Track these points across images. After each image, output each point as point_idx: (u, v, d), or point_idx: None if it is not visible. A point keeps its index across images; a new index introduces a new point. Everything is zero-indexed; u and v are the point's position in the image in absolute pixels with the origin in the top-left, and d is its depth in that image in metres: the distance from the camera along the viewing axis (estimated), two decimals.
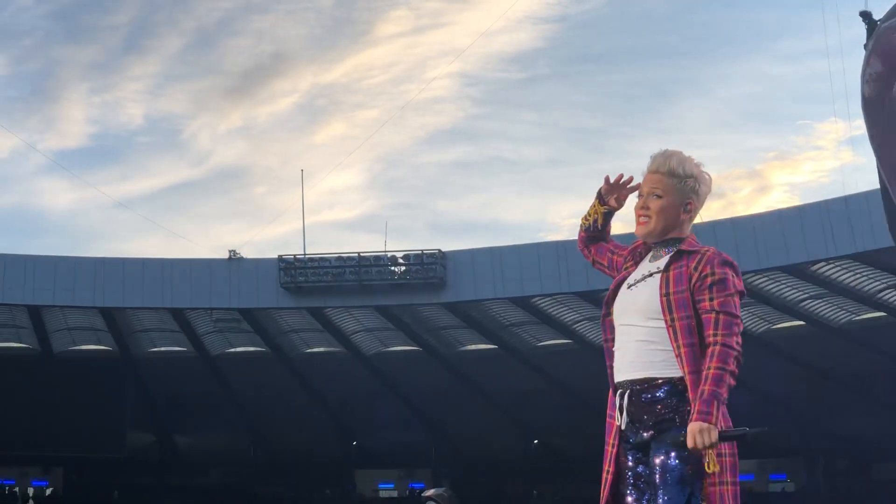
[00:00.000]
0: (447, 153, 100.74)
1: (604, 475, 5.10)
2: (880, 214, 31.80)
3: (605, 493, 5.09)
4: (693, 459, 4.77)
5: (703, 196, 5.14)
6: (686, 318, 4.88)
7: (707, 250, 4.98)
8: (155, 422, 55.40)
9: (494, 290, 43.67)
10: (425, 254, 43.93)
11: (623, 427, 5.02)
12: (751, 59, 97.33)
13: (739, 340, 4.89)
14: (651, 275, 5.04)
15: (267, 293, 44.63)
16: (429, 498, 5.53)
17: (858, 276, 40.83)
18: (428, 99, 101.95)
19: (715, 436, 4.68)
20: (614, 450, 5.08)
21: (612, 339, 5.14)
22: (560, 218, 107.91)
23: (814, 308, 44.05)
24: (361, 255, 44.51)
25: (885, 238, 32.21)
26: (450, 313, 47.10)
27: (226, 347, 51.26)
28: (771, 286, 42.47)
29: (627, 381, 5.00)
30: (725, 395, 4.77)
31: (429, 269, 43.52)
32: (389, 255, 44.85)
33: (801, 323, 44.86)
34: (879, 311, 42.86)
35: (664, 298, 4.92)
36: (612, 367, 5.11)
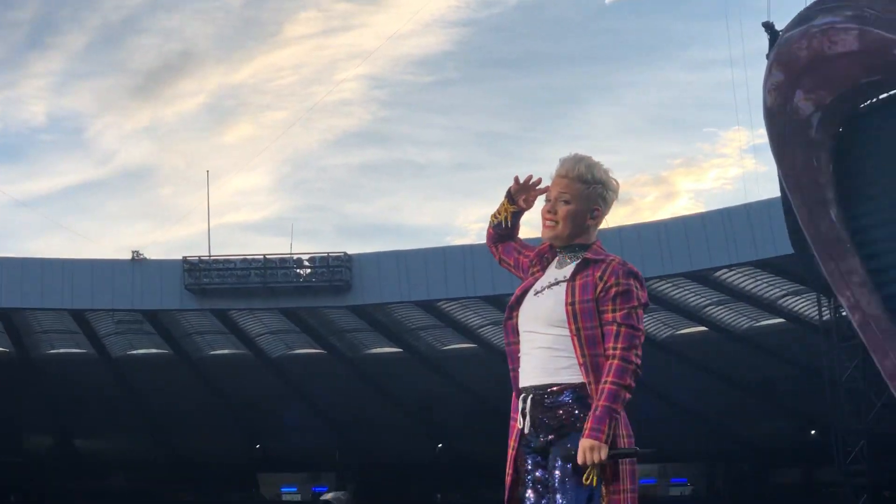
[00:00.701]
0: (355, 156, 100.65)
1: (507, 478, 5.11)
2: (781, 222, 32.35)
3: (505, 496, 5.10)
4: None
5: (609, 202, 5.14)
6: (591, 328, 4.88)
7: (613, 259, 4.97)
8: (55, 424, 54.59)
9: (400, 293, 43.70)
10: (331, 256, 43.85)
11: (526, 431, 5.02)
12: (659, 66, 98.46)
13: (640, 353, 4.89)
14: (557, 283, 5.03)
15: (171, 295, 44.25)
16: (327, 501, 5.45)
17: (759, 282, 41.39)
18: (336, 101, 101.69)
19: (604, 454, 4.71)
20: (513, 453, 5.09)
21: (516, 343, 5.13)
22: (468, 222, 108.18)
23: (716, 314, 44.59)
24: (267, 257, 44.32)
25: (785, 245, 32.74)
26: (355, 316, 47.03)
27: (128, 349, 50.71)
28: (675, 292, 42.91)
29: (531, 386, 5.00)
30: (620, 410, 4.79)
31: (334, 271, 43.44)
32: (295, 257, 44.70)
33: (704, 329, 45.37)
34: (779, 317, 43.47)
35: (569, 308, 4.92)
36: (515, 371, 5.11)
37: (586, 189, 5.05)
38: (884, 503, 32.83)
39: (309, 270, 44.26)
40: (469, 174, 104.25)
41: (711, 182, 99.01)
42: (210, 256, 44.63)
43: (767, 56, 28.54)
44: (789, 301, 42.38)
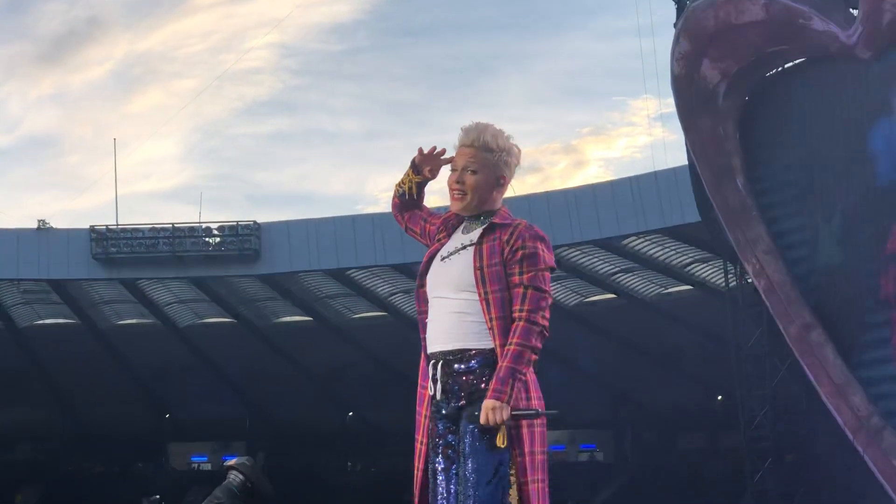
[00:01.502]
0: (265, 124, 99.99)
1: (417, 445, 5.14)
2: (689, 190, 32.69)
3: (419, 463, 5.13)
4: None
5: (513, 168, 5.18)
6: (499, 290, 4.92)
7: (519, 223, 5.02)
8: None
9: (310, 262, 43.54)
10: (240, 225, 43.60)
11: (437, 397, 5.05)
12: (568, 35, 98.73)
13: (546, 315, 4.94)
14: (464, 247, 5.06)
15: (77, 264, 43.73)
16: (231, 467, 5.56)
17: (668, 250, 41.76)
18: (246, 69, 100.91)
19: (507, 414, 4.76)
20: (424, 420, 5.11)
21: (427, 311, 5.15)
22: (378, 191, 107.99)
23: (625, 281, 44.94)
24: (175, 225, 43.94)
25: (693, 213, 33.07)
26: (265, 285, 46.83)
27: (34, 319, 50.05)
28: (583, 260, 43.17)
29: (440, 351, 5.03)
30: (525, 371, 4.84)
31: (244, 240, 43.19)
32: (204, 226, 44.38)
33: (613, 296, 45.72)
34: (687, 284, 43.91)
35: (478, 272, 4.95)
36: (425, 339, 5.13)
37: (492, 157, 5.09)
38: (786, 467, 33.32)
39: (218, 239, 43.95)
40: (379, 143, 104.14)
41: (621, 150, 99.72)
42: (118, 225, 44.14)
43: (675, 25, 28.76)
44: (697, 268, 42.81)
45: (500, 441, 4.82)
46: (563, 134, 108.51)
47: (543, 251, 4.99)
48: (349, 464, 57.54)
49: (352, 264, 43.96)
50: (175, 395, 54.59)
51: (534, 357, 4.85)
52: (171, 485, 47.78)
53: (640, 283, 45.01)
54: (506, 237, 4.99)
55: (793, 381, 31.24)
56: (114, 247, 43.32)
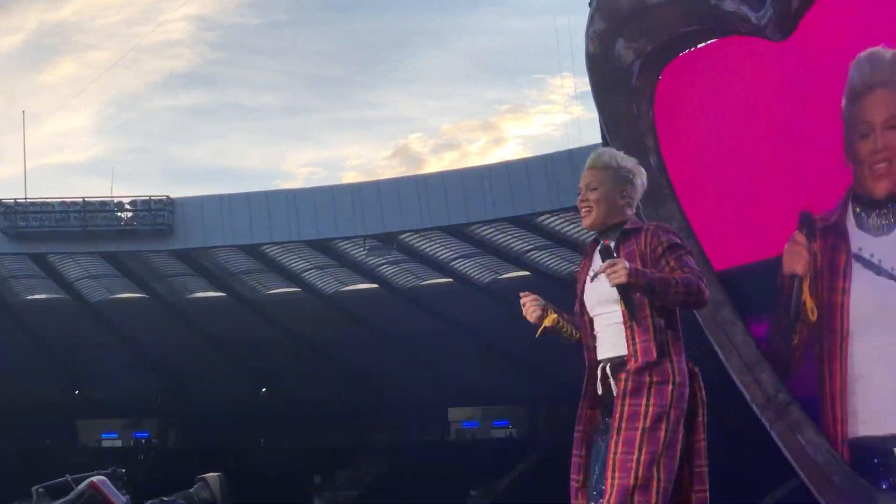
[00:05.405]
0: (182, 98, 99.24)
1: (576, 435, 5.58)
2: None
3: (578, 450, 5.59)
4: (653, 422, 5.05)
5: (638, 186, 5.47)
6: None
7: (648, 225, 5.33)
8: None
9: (223, 237, 43.32)
10: (153, 200, 43.25)
11: (600, 393, 5.39)
12: (488, 12, 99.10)
13: (695, 290, 5.07)
14: None
15: None
16: (202, 478, 5.67)
17: (582, 227, 41.95)
18: (163, 42, 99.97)
19: (621, 279, 4.94)
20: (582, 411, 5.51)
21: (587, 334, 5.51)
22: (296, 166, 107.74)
23: (539, 258, 45.16)
24: (86, 200, 43.49)
25: None
26: (178, 260, 46.50)
27: None
28: (498, 237, 43.30)
29: (607, 357, 5.36)
30: (655, 285, 5.02)
31: (157, 215, 42.87)
32: (116, 201, 43.97)
33: (527, 273, 45.93)
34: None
35: None
36: (591, 350, 5.47)
37: (613, 174, 5.43)
38: None
39: (130, 214, 43.60)
40: (298, 118, 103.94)
41: (539, 128, 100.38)
42: (27, 199, 43.62)
43: (590, 4, 28.89)
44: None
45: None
46: (482, 111, 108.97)
47: (679, 240, 5.28)
48: (262, 439, 57.40)
49: (266, 240, 43.79)
50: (86, 371, 54.10)
51: (679, 296, 5.04)
52: (81, 462, 47.32)
53: (553, 260, 45.26)
54: (641, 240, 5.28)
55: (707, 356, 31.58)
56: (22, 220, 42.84)
